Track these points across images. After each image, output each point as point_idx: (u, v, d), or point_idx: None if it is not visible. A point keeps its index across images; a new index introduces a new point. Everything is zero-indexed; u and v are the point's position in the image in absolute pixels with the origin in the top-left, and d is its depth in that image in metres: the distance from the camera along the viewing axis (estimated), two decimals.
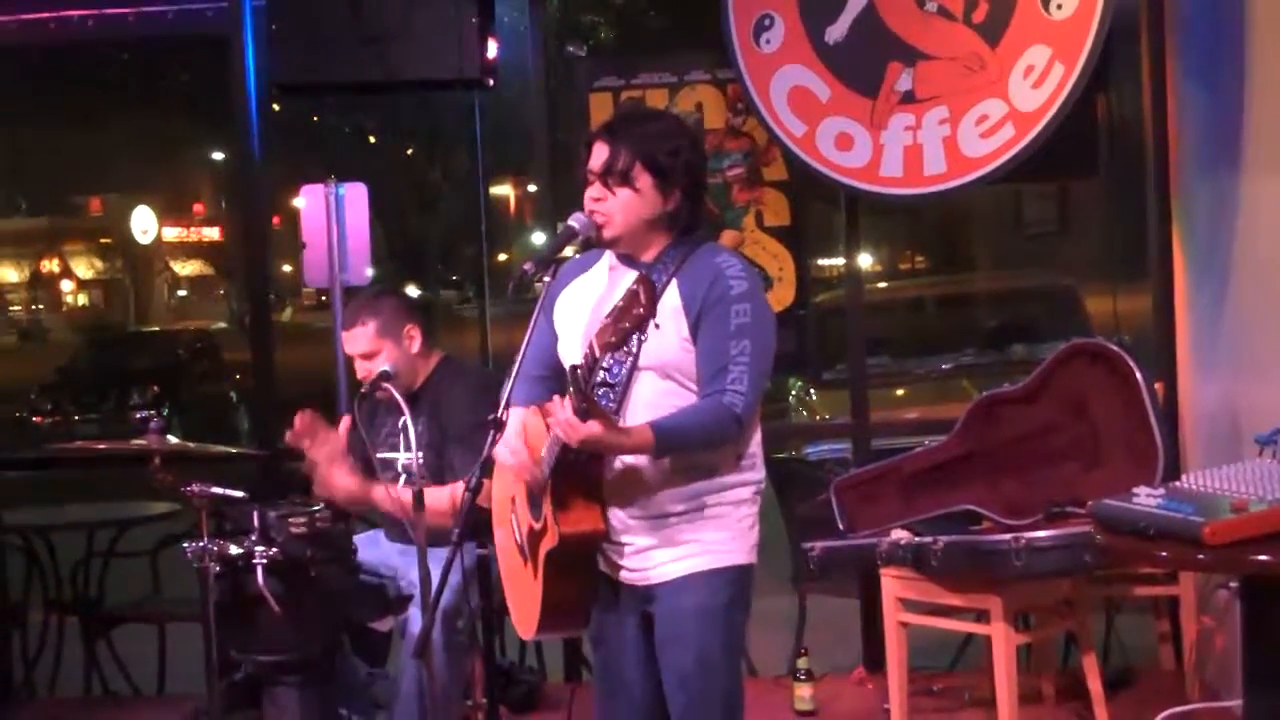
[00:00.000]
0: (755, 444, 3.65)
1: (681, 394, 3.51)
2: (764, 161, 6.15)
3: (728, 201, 6.14)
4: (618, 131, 3.60)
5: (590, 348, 3.31)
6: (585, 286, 3.68)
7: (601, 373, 3.44)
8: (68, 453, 6.05)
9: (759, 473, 3.67)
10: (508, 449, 3.54)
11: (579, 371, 3.29)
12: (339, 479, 4.74)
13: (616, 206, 3.55)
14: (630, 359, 3.49)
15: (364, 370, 4.91)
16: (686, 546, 3.57)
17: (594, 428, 3.32)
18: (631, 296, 3.22)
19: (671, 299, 3.51)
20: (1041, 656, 5.58)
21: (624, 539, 3.58)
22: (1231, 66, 5.04)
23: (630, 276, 3.47)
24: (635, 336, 3.28)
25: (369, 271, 6.64)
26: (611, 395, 3.50)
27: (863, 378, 6.24)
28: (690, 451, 3.51)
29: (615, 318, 3.24)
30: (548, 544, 3.50)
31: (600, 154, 3.57)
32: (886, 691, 5.33)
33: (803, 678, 5.62)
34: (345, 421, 4.87)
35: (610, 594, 3.67)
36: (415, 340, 4.95)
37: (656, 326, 3.31)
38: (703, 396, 3.49)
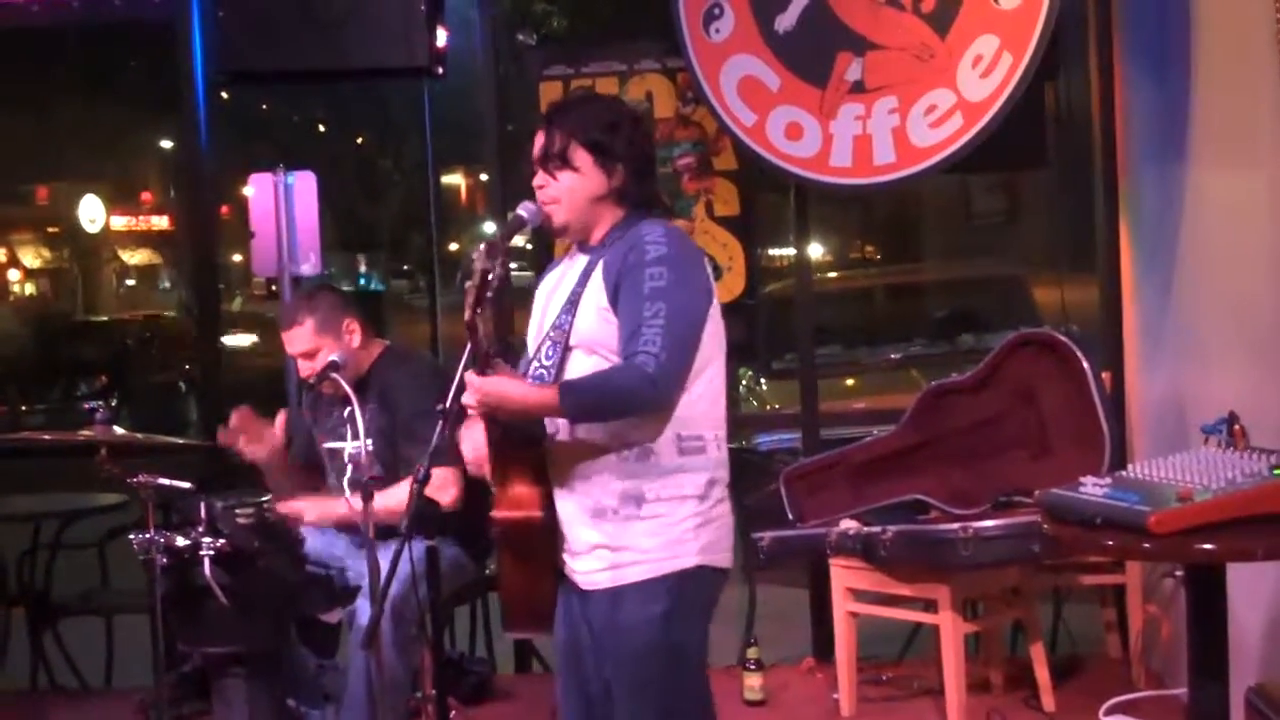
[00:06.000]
0: (704, 428, 3.50)
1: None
2: (714, 151, 6.15)
3: (677, 190, 6.14)
4: (553, 118, 3.60)
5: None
6: (553, 275, 3.71)
7: (542, 361, 3.48)
8: (13, 443, 5.99)
9: (708, 458, 3.50)
10: (469, 443, 3.56)
11: (471, 339, 3.34)
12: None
13: (561, 190, 3.53)
14: (563, 339, 3.50)
15: (307, 369, 4.87)
16: (622, 554, 3.46)
17: (493, 380, 3.34)
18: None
19: (597, 273, 3.50)
20: (989, 645, 5.60)
21: (566, 533, 3.53)
22: (1178, 58, 5.06)
23: (581, 262, 3.50)
24: (488, 304, 3.32)
25: (316, 261, 6.55)
26: (548, 377, 3.49)
27: (812, 368, 6.26)
28: (605, 412, 3.42)
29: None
30: (494, 530, 3.50)
31: (538, 142, 3.57)
32: (836, 681, 5.36)
33: (752, 667, 5.62)
34: (281, 416, 4.83)
35: (568, 584, 3.61)
36: (355, 334, 4.92)
37: (489, 297, 3.34)
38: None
